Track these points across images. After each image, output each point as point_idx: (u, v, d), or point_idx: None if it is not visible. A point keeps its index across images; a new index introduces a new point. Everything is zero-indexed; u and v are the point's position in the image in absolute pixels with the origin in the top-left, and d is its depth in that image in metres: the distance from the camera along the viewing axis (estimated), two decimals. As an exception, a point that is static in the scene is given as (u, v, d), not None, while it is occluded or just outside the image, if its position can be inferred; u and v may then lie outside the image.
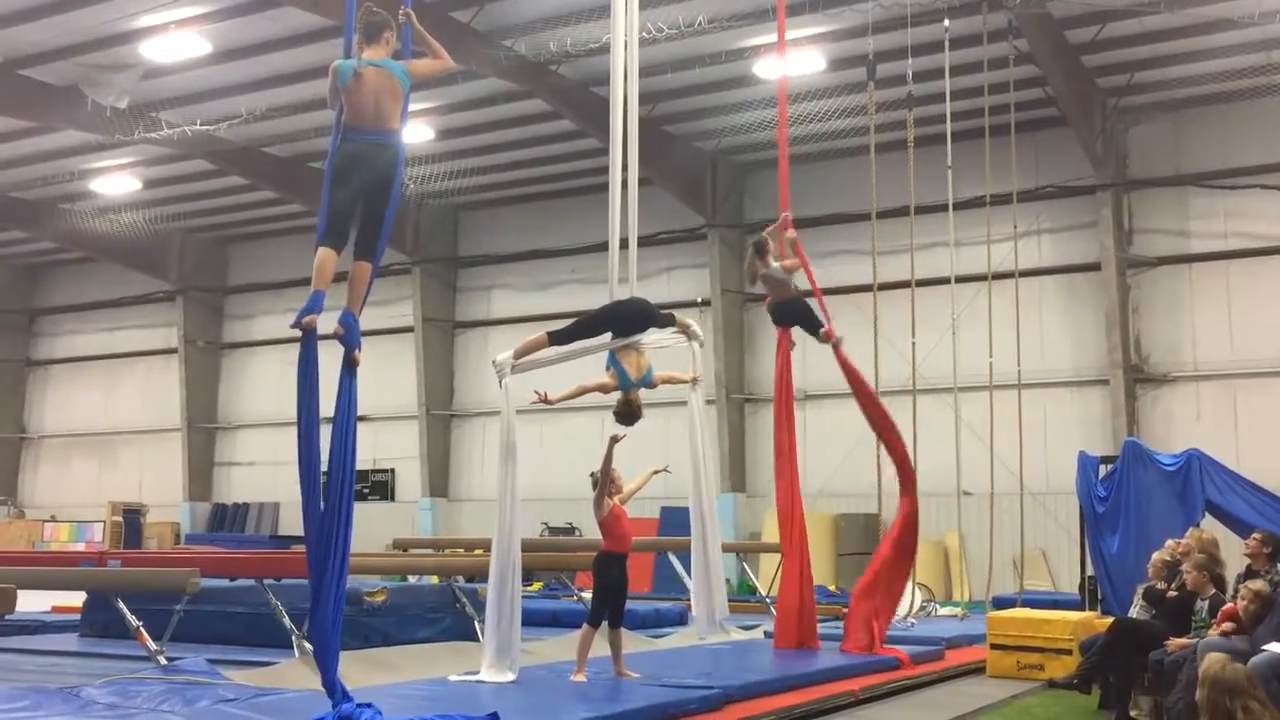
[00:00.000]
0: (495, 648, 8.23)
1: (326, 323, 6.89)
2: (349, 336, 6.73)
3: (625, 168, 9.40)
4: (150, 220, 24.86)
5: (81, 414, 29.00)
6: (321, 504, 6.61)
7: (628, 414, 8.82)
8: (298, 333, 6.72)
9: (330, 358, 6.69)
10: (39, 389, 30.05)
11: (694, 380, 9.74)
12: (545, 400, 8.52)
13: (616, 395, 8.92)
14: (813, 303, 10.71)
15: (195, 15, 15.88)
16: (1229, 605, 8.16)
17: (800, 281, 10.59)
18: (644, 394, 9.04)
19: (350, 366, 6.75)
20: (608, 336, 8.95)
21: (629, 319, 8.98)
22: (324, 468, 6.67)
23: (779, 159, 11.14)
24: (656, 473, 9.17)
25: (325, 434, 6.71)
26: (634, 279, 9.46)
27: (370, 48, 6.85)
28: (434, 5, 15.67)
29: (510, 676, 8.13)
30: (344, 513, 6.59)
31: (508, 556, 8.36)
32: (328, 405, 6.73)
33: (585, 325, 9.01)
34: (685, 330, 9.62)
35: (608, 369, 8.87)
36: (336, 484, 6.61)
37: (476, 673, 8.31)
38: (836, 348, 10.58)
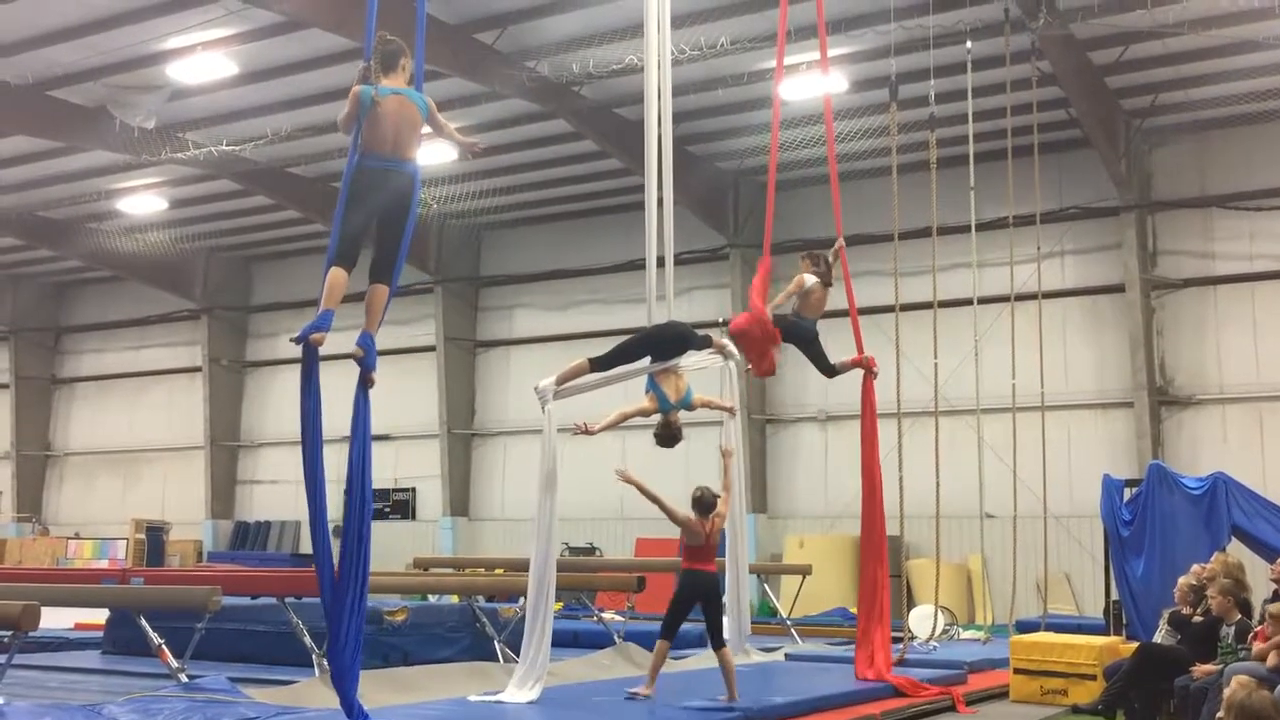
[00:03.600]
0: (526, 668, 8.26)
1: (342, 343, 6.96)
2: (368, 359, 6.80)
3: (660, 186, 9.46)
4: (176, 239, 25.05)
5: (106, 432, 29.18)
6: (329, 520, 6.66)
7: (668, 437, 8.85)
8: (320, 351, 6.77)
9: (342, 377, 6.75)
10: (64, 407, 30.25)
11: (732, 410, 9.79)
12: (586, 431, 8.54)
13: (642, 420, 8.94)
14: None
15: (222, 37, 16.03)
16: (1261, 629, 8.09)
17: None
18: (701, 413, 9.07)
19: (365, 387, 6.81)
20: (647, 361, 8.98)
21: (668, 343, 9.03)
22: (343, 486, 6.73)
23: (830, 179, 11.02)
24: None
25: (339, 452, 6.76)
26: (671, 298, 9.50)
27: (389, 76, 6.94)
28: (457, 27, 15.79)
29: (533, 696, 8.14)
30: (363, 533, 6.62)
31: (543, 581, 8.40)
32: (341, 424, 6.78)
33: (625, 350, 9.06)
34: (721, 350, 9.65)
35: (647, 392, 8.92)
36: (355, 504, 6.64)
37: (496, 693, 8.32)
38: (871, 377, 10.59)
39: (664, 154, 9.49)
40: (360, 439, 6.74)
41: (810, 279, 10.33)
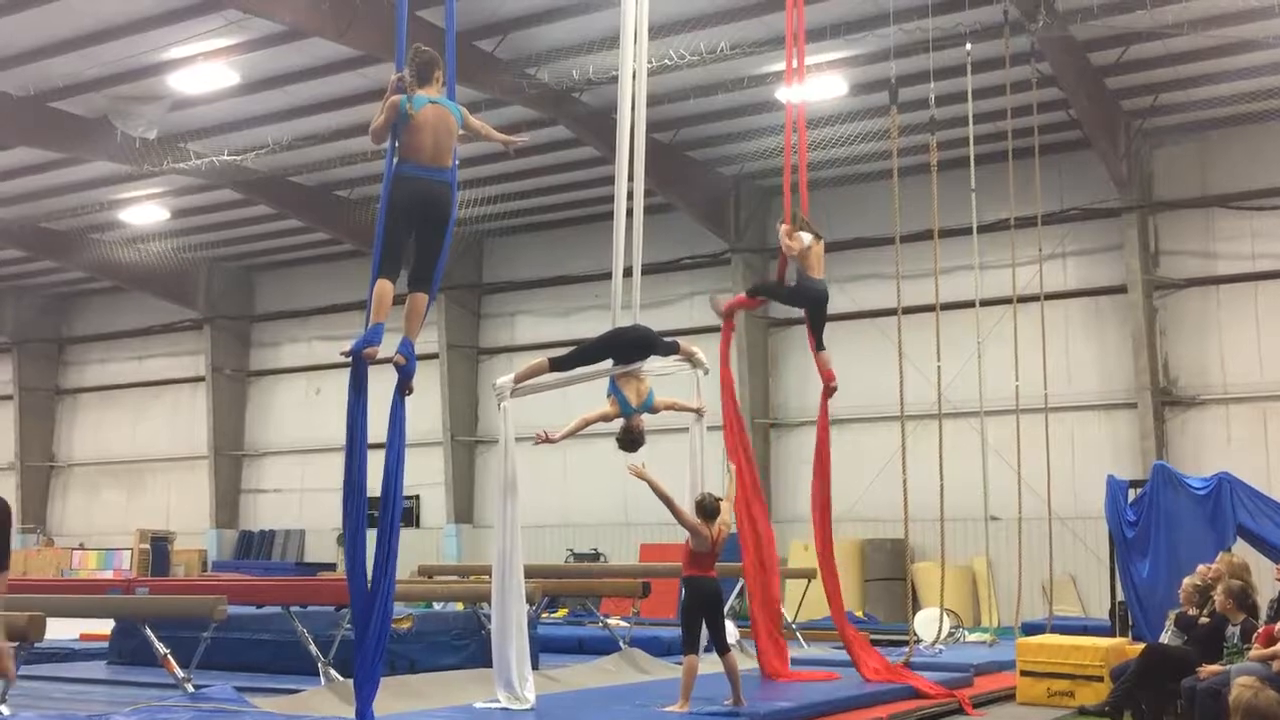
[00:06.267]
0: (502, 677, 8.21)
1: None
2: (408, 366, 6.86)
3: (631, 196, 9.46)
4: (178, 249, 25.08)
5: (110, 442, 29.20)
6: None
7: (630, 441, 8.80)
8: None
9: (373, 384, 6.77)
10: (68, 417, 30.29)
11: (700, 410, 9.77)
12: (547, 440, 8.50)
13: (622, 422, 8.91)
14: None
15: (223, 47, 16.06)
16: (1266, 627, 8.08)
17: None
18: (669, 419, 9.05)
19: (403, 394, 6.86)
20: (609, 363, 8.95)
21: (630, 346, 8.99)
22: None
23: (801, 172, 11.11)
24: None
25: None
26: (637, 306, 9.47)
27: (424, 87, 6.99)
28: (458, 34, 15.78)
29: (529, 703, 8.10)
30: (392, 538, 6.66)
31: (509, 585, 8.34)
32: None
33: (587, 352, 9.06)
34: (690, 358, 9.62)
35: (609, 396, 8.88)
36: (387, 510, 6.67)
37: (499, 700, 8.30)
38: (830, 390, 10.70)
39: (635, 163, 9.46)
40: (395, 447, 6.79)
41: (806, 236, 10.34)
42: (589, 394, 9.46)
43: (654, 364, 9.21)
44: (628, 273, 9.50)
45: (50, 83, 17.21)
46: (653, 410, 8.96)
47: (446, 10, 7.67)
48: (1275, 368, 17.57)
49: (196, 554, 25.88)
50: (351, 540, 6.63)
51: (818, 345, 10.66)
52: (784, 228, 10.35)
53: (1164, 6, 14.13)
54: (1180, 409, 18.20)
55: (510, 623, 8.27)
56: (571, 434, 8.67)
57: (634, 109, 9.44)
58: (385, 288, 6.83)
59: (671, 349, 9.44)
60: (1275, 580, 9.20)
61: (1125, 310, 18.36)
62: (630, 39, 9.48)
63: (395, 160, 6.99)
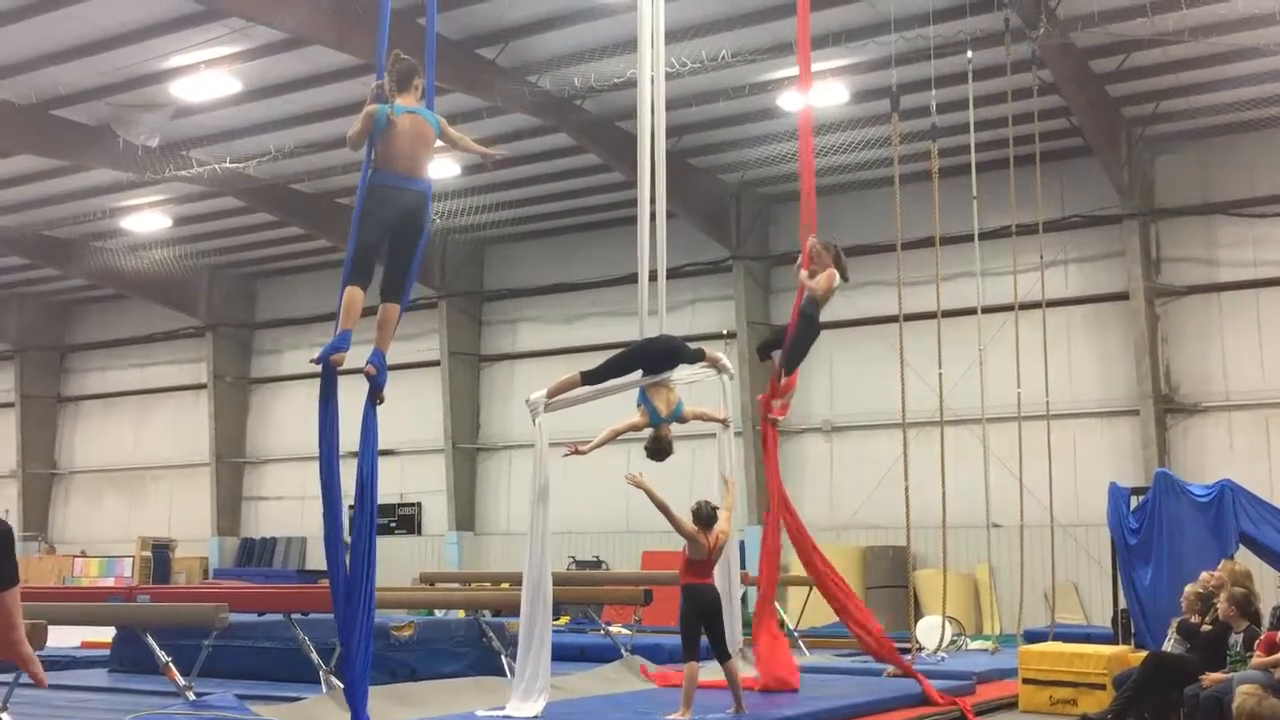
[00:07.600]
0: (525, 683, 8.24)
1: (349, 357, 6.97)
2: (379, 376, 6.85)
3: (654, 200, 9.50)
4: (180, 257, 25.12)
5: (112, 449, 29.21)
6: (346, 537, 6.70)
7: (658, 450, 8.90)
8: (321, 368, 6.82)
9: (347, 393, 6.78)
10: (70, 425, 30.30)
11: (725, 420, 9.84)
12: (578, 452, 8.59)
13: (647, 431, 8.97)
14: None
15: (225, 55, 16.09)
16: (1269, 634, 8.07)
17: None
18: (683, 426, 9.12)
19: (374, 403, 6.85)
20: (638, 374, 9.01)
21: (659, 357, 9.08)
22: (348, 501, 6.75)
23: (802, 183, 11.11)
24: None
25: (347, 468, 6.78)
26: (663, 311, 9.52)
27: (402, 95, 6.97)
28: (459, 43, 15.84)
29: (537, 710, 8.11)
30: (369, 545, 6.66)
31: (538, 593, 8.39)
32: (348, 439, 6.81)
33: (616, 364, 9.11)
34: (715, 364, 9.70)
35: (638, 406, 8.99)
36: (363, 517, 6.67)
37: (503, 708, 8.30)
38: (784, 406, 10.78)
39: (657, 167, 9.51)
40: (369, 454, 6.78)
41: (838, 277, 10.40)
42: (603, 401, 9.45)
43: (681, 372, 9.29)
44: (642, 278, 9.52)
45: (53, 90, 17.24)
46: (681, 420, 9.06)
47: (428, 18, 7.63)
48: (1277, 375, 17.55)
49: (198, 561, 25.86)
50: (331, 547, 6.63)
51: (788, 369, 10.67)
52: (830, 254, 10.42)
53: (1165, 14, 14.14)
54: (1182, 416, 18.18)
55: (536, 630, 8.32)
56: (600, 445, 8.77)
57: (653, 114, 9.51)
58: (355, 295, 6.83)
59: (698, 356, 9.56)
60: (1277, 588, 9.19)
61: (1127, 317, 18.36)
62: (648, 44, 9.55)
63: (371, 169, 6.97)
